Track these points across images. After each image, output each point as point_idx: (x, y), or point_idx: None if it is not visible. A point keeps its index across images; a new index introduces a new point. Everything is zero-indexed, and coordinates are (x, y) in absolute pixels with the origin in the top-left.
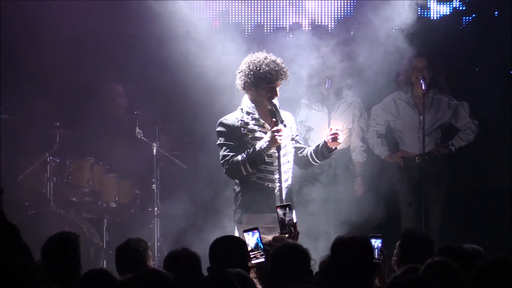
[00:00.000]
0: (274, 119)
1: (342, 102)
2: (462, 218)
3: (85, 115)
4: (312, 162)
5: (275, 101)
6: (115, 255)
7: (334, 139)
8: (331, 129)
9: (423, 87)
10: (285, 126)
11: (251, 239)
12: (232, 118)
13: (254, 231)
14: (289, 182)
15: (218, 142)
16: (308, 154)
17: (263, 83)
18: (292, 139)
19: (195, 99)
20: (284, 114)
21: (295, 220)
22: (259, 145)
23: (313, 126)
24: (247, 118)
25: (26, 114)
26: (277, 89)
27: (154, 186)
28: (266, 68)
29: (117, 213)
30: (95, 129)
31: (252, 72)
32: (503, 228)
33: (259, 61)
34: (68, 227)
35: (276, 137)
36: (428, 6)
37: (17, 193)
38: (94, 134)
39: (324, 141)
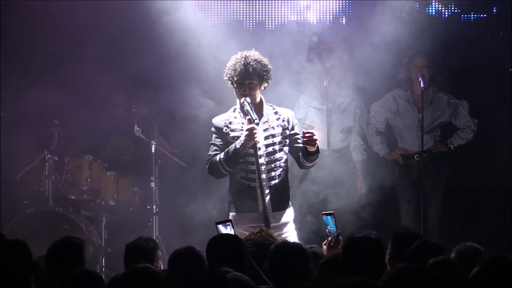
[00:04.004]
0: (248, 117)
1: (343, 100)
2: (461, 215)
3: (86, 113)
4: (303, 163)
5: (266, 99)
6: (124, 252)
7: (307, 142)
8: (304, 132)
9: (422, 85)
10: (257, 124)
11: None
12: (220, 118)
13: (228, 223)
14: (276, 181)
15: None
16: (300, 155)
17: (233, 80)
18: (285, 137)
19: (194, 96)
20: (282, 111)
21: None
22: (235, 144)
23: (312, 124)
24: (234, 117)
25: (25, 112)
26: (247, 87)
27: (152, 184)
28: (233, 64)
29: (116, 211)
30: (94, 127)
31: (226, 69)
32: (502, 226)
33: (233, 58)
34: (67, 225)
35: (250, 135)
36: (429, 4)
37: (16, 191)
38: (92, 132)
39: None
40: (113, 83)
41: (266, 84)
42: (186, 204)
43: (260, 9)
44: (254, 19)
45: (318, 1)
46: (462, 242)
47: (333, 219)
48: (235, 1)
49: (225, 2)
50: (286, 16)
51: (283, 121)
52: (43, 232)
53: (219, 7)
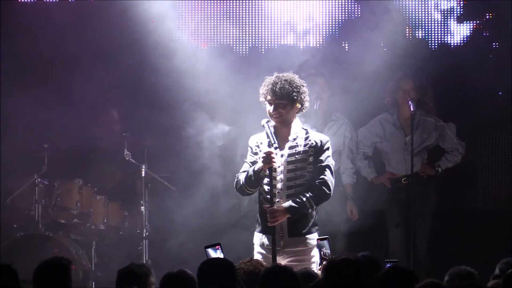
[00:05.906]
0: (268, 140)
1: (333, 124)
2: (449, 238)
3: (76, 137)
4: None
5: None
6: (116, 277)
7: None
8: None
9: (412, 109)
10: (275, 149)
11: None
12: (254, 137)
13: (217, 247)
14: None
15: None
16: None
17: (265, 99)
18: (309, 163)
19: (185, 121)
20: (315, 136)
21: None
22: (254, 166)
23: None
24: (267, 138)
25: (14, 135)
26: (277, 106)
27: (142, 208)
28: (265, 84)
29: (106, 235)
30: (84, 151)
31: (260, 89)
32: (490, 249)
33: (267, 79)
34: (57, 249)
35: (266, 159)
36: (417, 29)
37: (5, 215)
38: (82, 156)
39: None
40: (110, 111)
41: (299, 106)
42: (176, 228)
43: (251, 33)
44: (245, 43)
45: (308, 24)
46: (452, 265)
47: (328, 243)
48: (223, 24)
49: (214, 24)
50: (276, 41)
51: (311, 146)
52: (33, 256)
53: (212, 31)
